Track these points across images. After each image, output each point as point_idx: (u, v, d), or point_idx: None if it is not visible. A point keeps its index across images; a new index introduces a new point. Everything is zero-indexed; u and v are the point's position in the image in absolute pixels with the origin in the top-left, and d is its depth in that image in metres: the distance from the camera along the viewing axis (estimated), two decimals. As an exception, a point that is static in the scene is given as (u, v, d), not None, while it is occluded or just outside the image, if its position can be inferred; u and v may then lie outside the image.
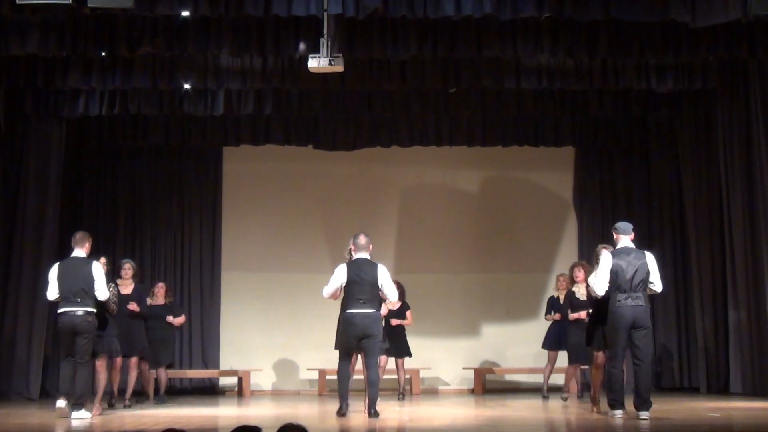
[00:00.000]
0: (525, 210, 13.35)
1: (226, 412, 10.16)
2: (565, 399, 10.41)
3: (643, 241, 12.66)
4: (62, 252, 12.15)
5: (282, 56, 10.03)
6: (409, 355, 11.09)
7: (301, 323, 12.93)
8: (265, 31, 9.39)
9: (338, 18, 8.59)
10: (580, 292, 10.22)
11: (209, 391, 12.53)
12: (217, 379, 12.71)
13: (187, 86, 10.75)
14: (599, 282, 8.07)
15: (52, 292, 8.61)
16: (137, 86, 10.49)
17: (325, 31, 8.56)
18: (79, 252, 8.76)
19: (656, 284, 8.12)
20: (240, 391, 12.35)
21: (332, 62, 8.59)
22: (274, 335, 12.92)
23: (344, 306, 8.36)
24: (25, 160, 11.61)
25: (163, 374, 10.81)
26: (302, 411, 9.81)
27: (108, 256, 12.49)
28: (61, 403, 8.46)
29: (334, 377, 12.46)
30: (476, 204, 13.32)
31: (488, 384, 12.67)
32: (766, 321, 10.42)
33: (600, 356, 8.48)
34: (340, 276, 8.31)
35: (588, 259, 12.73)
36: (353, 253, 8.41)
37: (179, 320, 11.00)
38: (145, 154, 12.92)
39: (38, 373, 11.39)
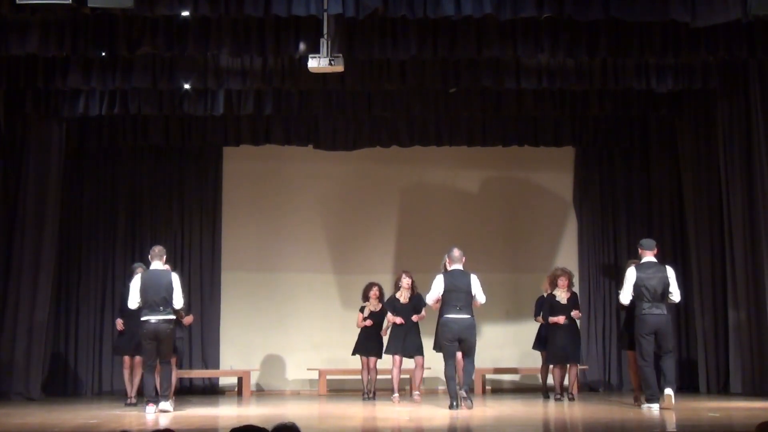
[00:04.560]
0: (525, 210, 13.35)
1: (226, 412, 10.17)
2: (560, 399, 10.63)
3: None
4: (62, 252, 12.21)
5: (282, 56, 10.03)
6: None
7: (302, 323, 12.94)
8: (265, 31, 9.38)
9: (338, 18, 8.59)
10: (561, 296, 10.77)
11: (209, 391, 12.52)
12: (217, 379, 12.71)
13: (187, 86, 10.74)
14: (624, 293, 9.20)
15: (134, 302, 9.27)
16: (137, 86, 10.48)
17: (325, 31, 8.56)
18: (158, 264, 9.37)
19: (675, 295, 9.18)
20: (240, 391, 12.34)
21: (332, 62, 8.58)
22: (274, 335, 12.92)
23: (442, 311, 9.21)
24: (25, 160, 11.60)
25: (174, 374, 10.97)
26: (302, 411, 9.81)
27: (108, 257, 12.63)
28: (150, 409, 9.03)
29: (335, 377, 12.64)
30: (476, 204, 13.31)
31: (488, 384, 12.67)
32: (766, 321, 10.42)
33: (632, 356, 9.66)
34: (438, 285, 9.21)
35: (589, 261, 12.85)
36: (448, 265, 9.29)
37: (188, 319, 11.05)
38: (145, 154, 12.90)
39: (38, 373, 11.38)
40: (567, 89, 11.23)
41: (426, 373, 12.72)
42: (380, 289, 11.14)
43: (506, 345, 12.94)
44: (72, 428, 7.89)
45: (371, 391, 11.03)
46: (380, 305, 11.01)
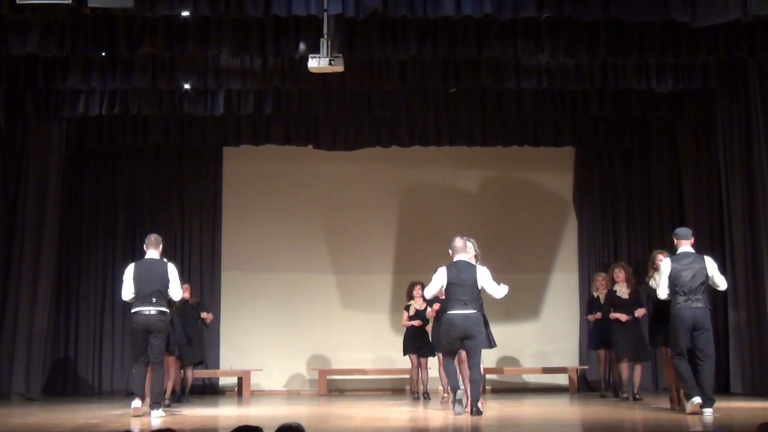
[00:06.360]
0: (525, 210, 13.34)
1: (226, 412, 10.17)
2: (639, 398, 10.32)
3: (643, 242, 12.74)
4: (62, 252, 12.20)
5: (282, 56, 10.03)
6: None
7: (301, 323, 12.94)
8: (265, 31, 9.39)
9: (338, 18, 8.60)
10: (622, 291, 10.56)
11: (209, 391, 12.52)
12: (217, 379, 12.71)
13: (187, 86, 10.75)
14: (661, 287, 8.49)
15: (128, 293, 8.81)
16: (137, 86, 10.49)
17: (325, 31, 8.56)
18: (153, 254, 8.94)
19: (720, 284, 8.61)
20: (240, 391, 12.34)
21: (332, 62, 8.59)
22: (274, 335, 12.92)
23: (446, 307, 8.57)
24: (25, 160, 11.61)
25: (190, 374, 11.09)
26: (302, 411, 9.81)
27: (108, 256, 12.63)
28: (136, 403, 8.61)
29: (335, 377, 12.64)
30: (476, 204, 13.31)
31: (488, 384, 12.66)
32: (766, 321, 10.42)
33: (667, 353, 8.82)
34: (440, 278, 8.52)
35: (589, 261, 12.83)
36: (452, 256, 8.62)
37: (209, 316, 11.36)
38: (145, 154, 12.91)
39: (38, 373, 11.38)
40: (567, 89, 11.24)
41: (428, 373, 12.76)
42: (423, 288, 11.01)
43: (506, 345, 12.85)
44: (72, 428, 7.89)
45: (424, 391, 11.03)
46: (425, 304, 10.95)
